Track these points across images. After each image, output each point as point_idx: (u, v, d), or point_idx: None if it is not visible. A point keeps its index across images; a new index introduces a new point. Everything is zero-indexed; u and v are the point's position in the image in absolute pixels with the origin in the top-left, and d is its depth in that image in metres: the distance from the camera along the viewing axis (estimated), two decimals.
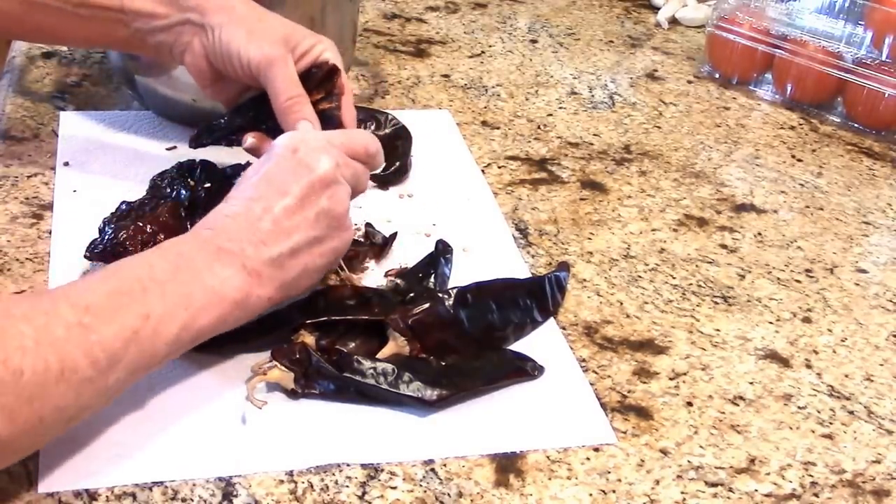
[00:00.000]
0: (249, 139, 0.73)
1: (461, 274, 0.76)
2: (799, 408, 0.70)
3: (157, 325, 0.56)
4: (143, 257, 0.61)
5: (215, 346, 0.66)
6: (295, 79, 0.73)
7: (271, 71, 0.72)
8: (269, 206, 0.63)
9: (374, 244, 0.78)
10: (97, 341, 0.54)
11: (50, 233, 0.77)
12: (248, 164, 0.81)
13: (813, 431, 0.68)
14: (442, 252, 0.77)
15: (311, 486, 0.59)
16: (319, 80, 0.75)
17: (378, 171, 0.76)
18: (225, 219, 0.63)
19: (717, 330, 0.76)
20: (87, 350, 0.53)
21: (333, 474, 0.60)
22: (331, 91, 0.75)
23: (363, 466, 0.60)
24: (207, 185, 0.76)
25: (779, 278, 0.83)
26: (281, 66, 0.72)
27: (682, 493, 0.61)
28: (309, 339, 0.66)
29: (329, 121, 0.74)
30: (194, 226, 0.64)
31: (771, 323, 0.78)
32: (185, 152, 0.87)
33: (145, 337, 0.56)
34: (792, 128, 1.09)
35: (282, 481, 0.59)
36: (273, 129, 0.73)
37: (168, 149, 0.89)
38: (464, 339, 0.69)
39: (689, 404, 0.69)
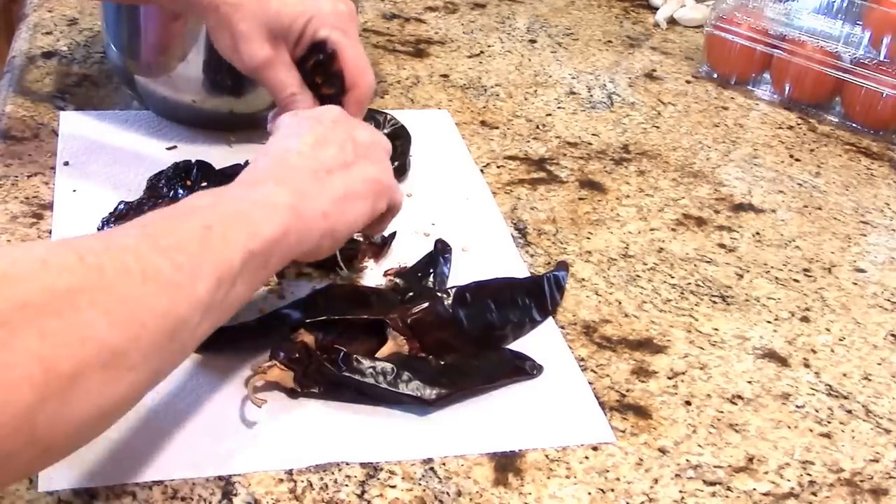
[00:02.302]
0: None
1: (460, 273, 0.77)
2: (797, 407, 0.70)
3: (224, 233, 0.53)
4: (180, 203, 0.57)
5: (215, 346, 0.66)
6: (286, 79, 0.71)
7: (261, 77, 0.71)
8: (290, 146, 0.63)
9: (374, 243, 0.78)
10: (168, 246, 0.50)
11: (50, 232, 0.77)
12: (248, 162, 0.81)
13: (811, 430, 0.68)
14: (441, 251, 0.77)
15: (311, 485, 0.59)
16: (316, 66, 0.72)
17: None
18: (250, 168, 0.62)
19: (716, 329, 0.76)
20: (162, 251, 0.50)
21: (333, 473, 0.60)
22: (331, 74, 0.72)
23: (362, 465, 0.61)
24: (204, 184, 0.77)
25: (777, 278, 0.83)
26: (270, 69, 0.71)
27: (681, 491, 0.62)
28: (308, 338, 0.66)
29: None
30: None
31: (769, 322, 0.78)
32: (185, 152, 0.87)
33: (216, 242, 0.53)
34: (790, 127, 1.09)
35: (281, 480, 0.59)
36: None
37: (168, 149, 0.89)
38: (463, 338, 0.69)
39: (688, 403, 0.69)
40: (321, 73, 0.73)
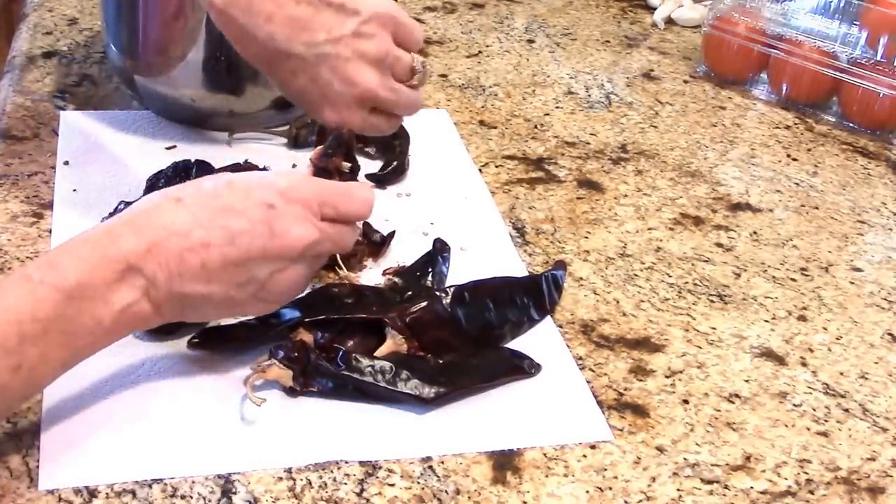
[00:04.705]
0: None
1: (459, 272, 0.77)
2: (794, 405, 0.70)
3: (30, 374, 0.53)
4: (34, 286, 0.54)
5: (215, 346, 0.67)
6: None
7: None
8: (208, 243, 0.58)
9: (373, 243, 0.78)
10: None
11: (50, 232, 0.77)
12: (247, 161, 0.81)
13: (808, 429, 0.68)
14: (439, 250, 0.77)
15: (310, 484, 0.59)
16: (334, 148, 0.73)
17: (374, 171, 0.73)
18: (162, 230, 0.58)
19: (713, 328, 0.76)
20: None
21: (332, 471, 0.60)
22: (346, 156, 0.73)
23: (361, 464, 0.61)
24: None
25: (774, 277, 0.84)
26: None
27: (679, 490, 0.62)
28: (307, 337, 0.66)
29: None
30: (136, 203, 0.60)
31: (766, 321, 0.78)
32: (184, 152, 0.88)
33: (15, 388, 0.53)
34: (787, 127, 1.10)
35: (280, 478, 0.59)
36: None
37: (168, 148, 0.89)
38: (461, 337, 0.69)
39: (685, 402, 0.69)
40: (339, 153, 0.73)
